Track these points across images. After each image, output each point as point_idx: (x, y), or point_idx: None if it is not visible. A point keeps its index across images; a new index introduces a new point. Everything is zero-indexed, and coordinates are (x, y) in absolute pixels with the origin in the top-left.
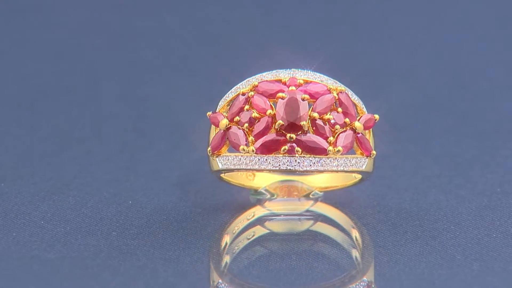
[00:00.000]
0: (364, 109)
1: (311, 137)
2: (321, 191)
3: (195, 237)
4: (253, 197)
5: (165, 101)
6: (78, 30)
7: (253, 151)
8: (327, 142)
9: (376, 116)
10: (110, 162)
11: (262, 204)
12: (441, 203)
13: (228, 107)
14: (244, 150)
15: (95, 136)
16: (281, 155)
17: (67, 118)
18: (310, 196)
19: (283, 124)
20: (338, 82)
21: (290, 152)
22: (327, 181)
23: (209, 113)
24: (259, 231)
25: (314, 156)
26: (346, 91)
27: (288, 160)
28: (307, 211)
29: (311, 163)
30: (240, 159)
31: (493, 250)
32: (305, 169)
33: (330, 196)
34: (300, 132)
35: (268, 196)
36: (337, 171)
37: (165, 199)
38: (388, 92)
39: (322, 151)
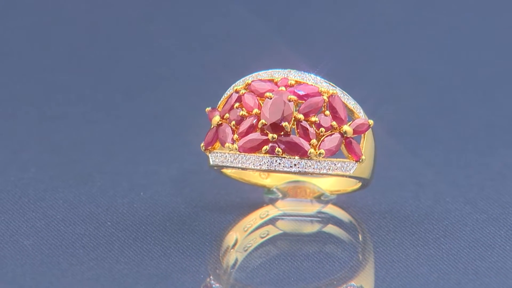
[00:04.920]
0: (361, 114)
1: (293, 138)
2: (331, 194)
3: (187, 232)
4: (266, 196)
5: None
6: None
7: (236, 149)
8: (310, 144)
9: (370, 122)
10: (152, 154)
11: (274, 204)
12: (451, 213)
13: None
14: (229, 147)
15: (150, 130)
16: (262, 154)
17: (141, 112)
18: (322, 198)
19: (265, 124)
20: (333, 85)
21: (271, 152)
22: (332, 184)
23: (208, 108)
24: (269, 230)
25: (296, 157)
26: (340, 95)
27: (268, 160)
28: (319, 212)
29: (291, 164)
30: (226, 156)
31: (462, 261)
32: (286, 170)
33: (343, 199)
34: (282, 132)
35: (280, 195)
36: (319, 174)
37: (172, 195)
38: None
39: (303, 153)
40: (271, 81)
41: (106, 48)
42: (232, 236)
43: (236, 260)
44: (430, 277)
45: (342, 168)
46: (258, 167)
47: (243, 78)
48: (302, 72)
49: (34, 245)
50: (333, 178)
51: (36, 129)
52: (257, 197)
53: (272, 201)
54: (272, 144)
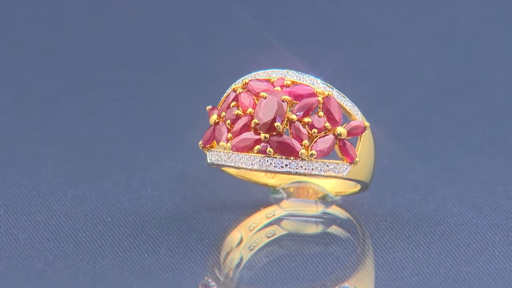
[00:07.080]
0: (358, 116)
1: (285, 138)
2: (336, 195)
3: (183, 230)
4: (272, 196)
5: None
6: None
7: (229, 148)
8: (302, 145)
9: (367, 124)
10: (173, 151)
11: (279, 204)
12: (453, 217)
13: None
14: (223, 146)
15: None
16: (255, 154)
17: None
18: (326, 199)
19: (258, 123)
20: (330, 86)
21: (263, 152)
22: (334, 186)
23: (208, 107)
24: (275, 230)
25: (287, 158)
26: (336, 96)
27: (260, 160)
28: (324, 213)
29: (282, 165)
30: (220, 155)
31: (446, 266)
32: (277, 170)
33: (349, 201)
34: (274, 132)
35: (285, 195)
36: (311, 175)
37: (181, 192)
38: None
39: (294, 153)
40: (268, 80)
41: (139, 45)
42: (237, 234)
43: (241, 259)
44: (409, 280)
45: (335, 170)
46: (250, 167)
47: (242, 77)
48: (300, 72)
49: (27, 239)
50: (334, 180)
51: (66, 123)
52: (263, 197)
53: (278, 201)
54: (264, 144)
